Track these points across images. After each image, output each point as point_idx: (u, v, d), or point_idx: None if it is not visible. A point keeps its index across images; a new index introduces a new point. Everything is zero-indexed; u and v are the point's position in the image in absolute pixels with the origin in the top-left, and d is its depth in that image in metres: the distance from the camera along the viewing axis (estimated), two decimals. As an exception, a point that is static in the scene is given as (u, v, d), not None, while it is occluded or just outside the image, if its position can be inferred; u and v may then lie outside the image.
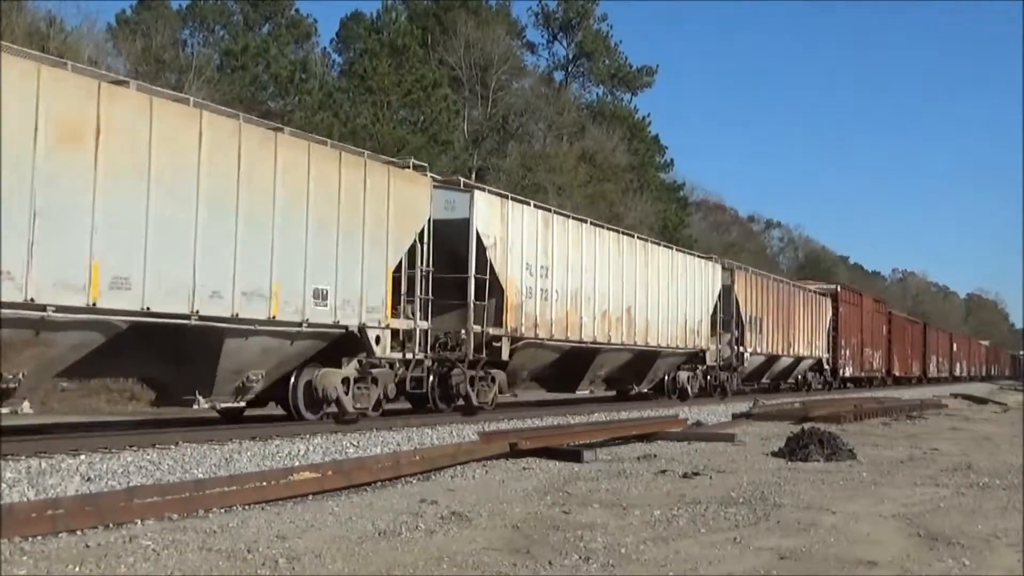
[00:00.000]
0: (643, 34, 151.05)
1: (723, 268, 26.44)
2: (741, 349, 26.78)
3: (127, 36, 33.16)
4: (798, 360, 32.78)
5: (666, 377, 23.72)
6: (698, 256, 25.64)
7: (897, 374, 48.88)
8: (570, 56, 56.61)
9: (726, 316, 26.10)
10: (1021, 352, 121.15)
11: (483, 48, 43.81)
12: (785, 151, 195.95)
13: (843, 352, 38.08)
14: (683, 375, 24.22)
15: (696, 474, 9.88)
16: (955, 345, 72.57)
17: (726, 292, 26.06)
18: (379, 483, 8.67)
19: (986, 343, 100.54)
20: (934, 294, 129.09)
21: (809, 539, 6.57)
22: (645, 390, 22.97)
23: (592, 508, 7.66)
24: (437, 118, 36.97)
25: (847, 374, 38.65)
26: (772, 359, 30.09)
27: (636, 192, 49.14)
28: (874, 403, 24.21)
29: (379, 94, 35.19)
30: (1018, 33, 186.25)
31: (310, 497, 7.79)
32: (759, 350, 28.47)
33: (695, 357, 24.42)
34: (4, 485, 7.37)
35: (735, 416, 18.98)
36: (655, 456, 11.65)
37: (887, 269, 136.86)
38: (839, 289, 39.14)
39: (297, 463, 9.41)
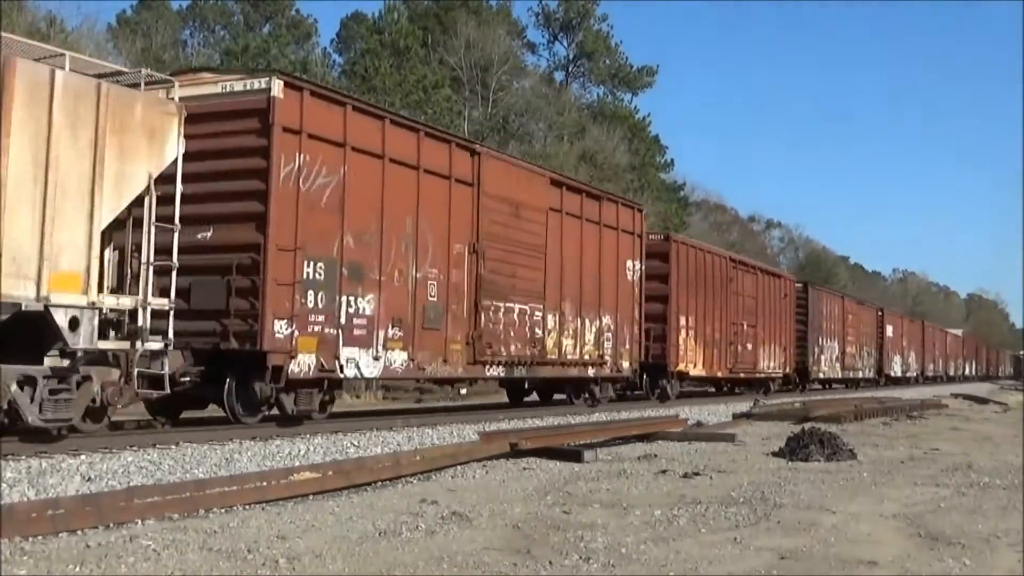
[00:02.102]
0: (643, 34, 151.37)
1: None
2: None
3: (127, 36, 33.19)
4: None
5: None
6: None
7: (721, 374, 25.83)
8: (570, 56, 56.68)
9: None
10: (1021, 352, 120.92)
11: (484, 48, 43.82)
12: (785, 151, 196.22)
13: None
14: None
15: (696, 474, 9.88)
16: (889, 327, 47.32)
17: None
18: (379, 483, 8.67)
19: (958, 332, 79.69)
20: (934, 294, 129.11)
21: (809, 539, 6.56)
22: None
23: (592, 508, 7.66)
24: (439, 118, 36.98)
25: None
26: None
27: (636, 192, 49.02)
28: (875, 403, 24.25)
29: (381, 94, 35.20)
30: (1018, 33, 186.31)
31: (310, 497, 7.79)
32: None
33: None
34: (4, 485, 7.37)
35: (736, 416, 18.99)
36: (655, 456, 11.65)
37: (887, 269, 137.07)
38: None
39: (298, 463, 9.40)
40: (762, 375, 28.96)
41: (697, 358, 23.72)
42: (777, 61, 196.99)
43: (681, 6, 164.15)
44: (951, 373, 67.22)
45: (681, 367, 22.73)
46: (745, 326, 27.05)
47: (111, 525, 6.26)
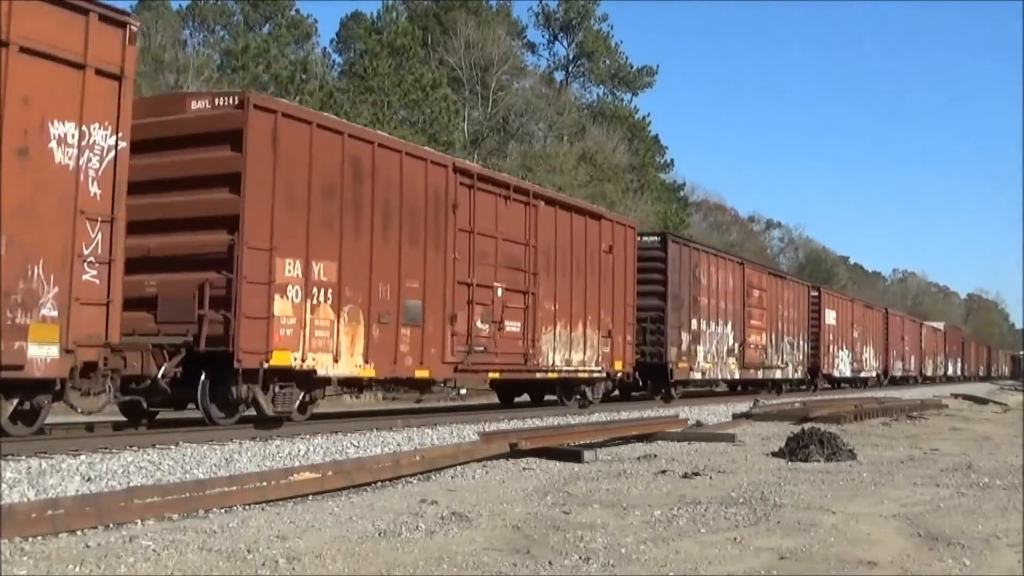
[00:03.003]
0: (643, 34, 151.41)
1: None
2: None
3: (127, 36, 33.16)
4: None
5: None
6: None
7: (430, 374, 13.94)
8: (570, 56, 56.74)
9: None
10: (1021, 352, 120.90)
11: (483, 48, 43.86)
12: (785, 151, 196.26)
13: None
14: None
15: (696, 474, 9.88)
16: (829, 313, 35.73)
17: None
18: (379, 483, 8.68)
19: (939, 324, 66.14)
20: (934, 294, 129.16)
21: (809, 539, 6.56)
22: None
23: (592, 508, 7.65)
24: (437, 118, 36.99)
25: None
26: None
27: (636, 192, 49.13)
28: (875, 403, 24.26)
29: (379, 94, 35.23)
30: (1018, 33, 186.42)
31: (310, 497, 7.79)
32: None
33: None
34: (4, 485, 7.37)
35: (735, 416, 18.99)
36: (655, 456, 11.65)
37: (887, 269, 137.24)
38: None
39: (297, 463, 9.41)
40: (551, 374, 17.23)
41: (348, 344, 12.47)
42: (777, 61, 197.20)
43: (681, 6, 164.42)
44: (928, 373, 55.75)
45: (293, 362, 11.68)
46: (500, 290, 15.62)
47: (111, 525, 6.26)
